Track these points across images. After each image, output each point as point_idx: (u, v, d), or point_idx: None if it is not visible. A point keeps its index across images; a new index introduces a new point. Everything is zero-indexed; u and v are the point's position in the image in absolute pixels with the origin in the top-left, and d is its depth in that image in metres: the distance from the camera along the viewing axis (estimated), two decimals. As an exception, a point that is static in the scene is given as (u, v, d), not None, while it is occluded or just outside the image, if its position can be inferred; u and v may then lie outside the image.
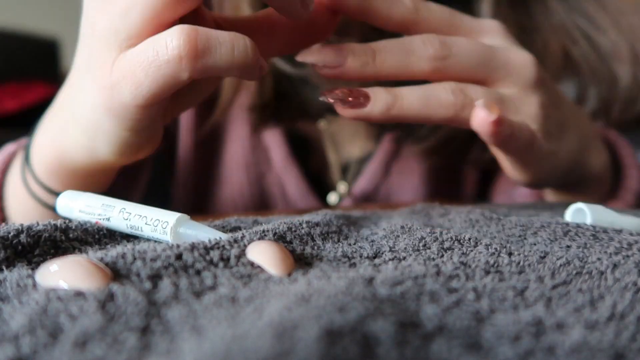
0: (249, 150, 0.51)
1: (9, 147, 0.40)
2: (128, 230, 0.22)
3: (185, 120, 0.51)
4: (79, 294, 0.14)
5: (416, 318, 0.13)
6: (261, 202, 0.52)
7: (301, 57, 0.29)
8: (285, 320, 0.12)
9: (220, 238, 0.19)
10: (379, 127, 0.51)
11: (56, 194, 0.30)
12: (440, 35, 0.29)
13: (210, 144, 0.52)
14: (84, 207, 0.23)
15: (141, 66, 0.22)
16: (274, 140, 0.50)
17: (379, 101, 0.28)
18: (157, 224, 0.21)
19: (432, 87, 0.29)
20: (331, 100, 0.29)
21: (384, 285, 0.15)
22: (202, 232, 0.20)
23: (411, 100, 0.29)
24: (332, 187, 0.53)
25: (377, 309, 0.13)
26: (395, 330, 0.12)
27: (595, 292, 0.16)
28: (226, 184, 0.52)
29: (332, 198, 0.52)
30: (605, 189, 0.42)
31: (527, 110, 0.31)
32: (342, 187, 0.53)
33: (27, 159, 0.33)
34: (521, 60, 0.31)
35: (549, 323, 0.14)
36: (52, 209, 0.32)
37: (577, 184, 0.39)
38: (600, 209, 0.25)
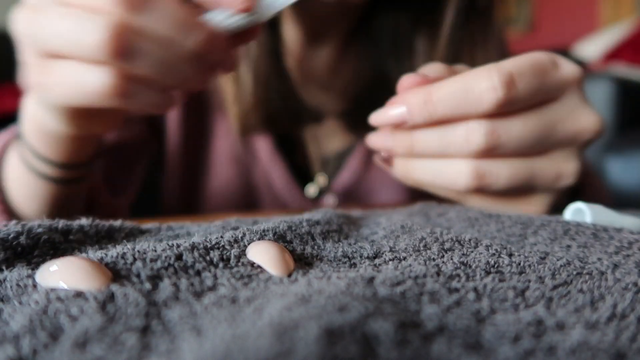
0: (237, 144, 0.52)
1: (6, 133, 0.42)
2: None
3: (174, 114, 0.51)
4: (79, 295, 0.14)
5: (416, 318, 0.13)
6: (248, 196, 0.53)
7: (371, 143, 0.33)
8: (286, 320, 0.12)
9: (222, 237, 0.19)
10: (358, 123, 0.52)
11: (49, 161, 0.33)
12: (491, 123, 0.27)
13: (198, 139, 0.53)
14: None
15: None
16: (260, 135, 0.51)
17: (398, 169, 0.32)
18: None
19: (446, 161, 0.29)
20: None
21: (384, 285, 0.15)
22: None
23: (422, 172, 0.30)
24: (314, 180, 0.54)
25: (378, 309, 0.13)
26: (395, 330, 0.12)
27: (595, 292, 0.16)
28: (215, 177, 0.53)
29: (311, 190, 0.53)
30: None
31: (551, 169, 0.29)
32: (321, 179, 0.53)
33: (21, 135, 0.36)
34: (584, 125, 0.29)
35: (549, 323, 0.14)
36: (48, 178, 0.35)
37: None
38: (599, 208, 0.25)
